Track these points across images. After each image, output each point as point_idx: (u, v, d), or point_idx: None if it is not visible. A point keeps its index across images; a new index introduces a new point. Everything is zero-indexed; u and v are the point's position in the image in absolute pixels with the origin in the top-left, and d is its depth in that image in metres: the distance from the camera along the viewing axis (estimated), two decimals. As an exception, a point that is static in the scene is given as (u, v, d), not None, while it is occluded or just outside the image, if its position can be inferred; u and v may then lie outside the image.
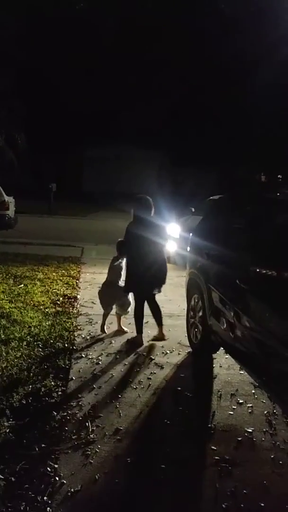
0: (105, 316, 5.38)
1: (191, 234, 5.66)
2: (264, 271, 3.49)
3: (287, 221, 3.82)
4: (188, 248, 5.56)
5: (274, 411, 3.74)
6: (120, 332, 5.40)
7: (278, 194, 4.50)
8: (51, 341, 4.93)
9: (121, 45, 28.09)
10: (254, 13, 25.11)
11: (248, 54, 26.13)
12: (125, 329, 5.42)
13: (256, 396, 3.99)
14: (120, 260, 5.30)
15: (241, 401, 3.89)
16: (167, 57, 27.21)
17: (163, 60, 27.51)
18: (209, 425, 3.49)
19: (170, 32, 26.76)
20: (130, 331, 5.35)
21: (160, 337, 5.20)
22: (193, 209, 10.72)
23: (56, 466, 2.88)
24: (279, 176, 33.42)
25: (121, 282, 5.28)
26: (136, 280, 5.06)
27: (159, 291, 5.22)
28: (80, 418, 3.46)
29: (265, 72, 24.13)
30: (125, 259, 5.26)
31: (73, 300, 6.65)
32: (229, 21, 25.86)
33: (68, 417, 3.46)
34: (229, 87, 27.16)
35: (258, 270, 3.56)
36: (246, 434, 3.40)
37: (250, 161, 32.24)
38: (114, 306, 5.42)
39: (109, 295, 5.34)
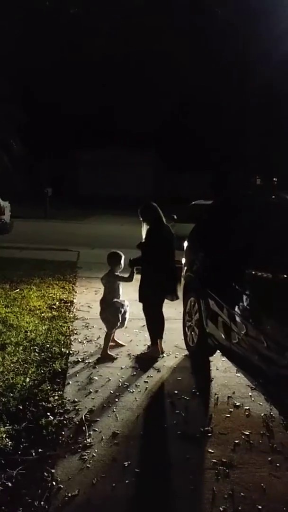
0: (108, 337, 4.88)
1: (187, 239, 5.66)
2: (260, 274, 3.50)
3: (283, 224, 3.84)
4: (184, 253, 5.57)
5: (271, 413, 3.75)
6: (115, 345, 5.08)
7: (273, 197, 4.52)
8: (48, 345, 4.92)
9: (118, 48, 28.18)
10: (253, 14, 25.23)
11: (245, 58, 26.26)
12: (120, 342, 5.14)
13: (253, 399, 4.00)
14: (119, 275, 5.03)
15: (238, 404, 3.89)
16: (165, 59, 27.31)
17: (161, 63, 27.62)
18: (206, 428, 3.49)
19: (168, 35, 26.84)
20: (130, 340, 5.27)
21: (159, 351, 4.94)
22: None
23: (53, 470, 2.88)
24: (274, 179, 33.60)
25: (120, 298, 5.00)
26: (153, 288, 4.88)
27: (177, 297, 5.03)
28: (77, 423, 3.46)
29: (264, 74, 24.29)
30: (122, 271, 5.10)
31: (69, 304, 6.64)
32: (229, 23, 25.96)
33: (65, 422, 3.45)
34: (227, 89, 27.32)
35: (254, 273, 3.57)
36: (243, 437, 3.40)
37: (246, 164, 32.43)
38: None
39: (113, 315, 4.88)
